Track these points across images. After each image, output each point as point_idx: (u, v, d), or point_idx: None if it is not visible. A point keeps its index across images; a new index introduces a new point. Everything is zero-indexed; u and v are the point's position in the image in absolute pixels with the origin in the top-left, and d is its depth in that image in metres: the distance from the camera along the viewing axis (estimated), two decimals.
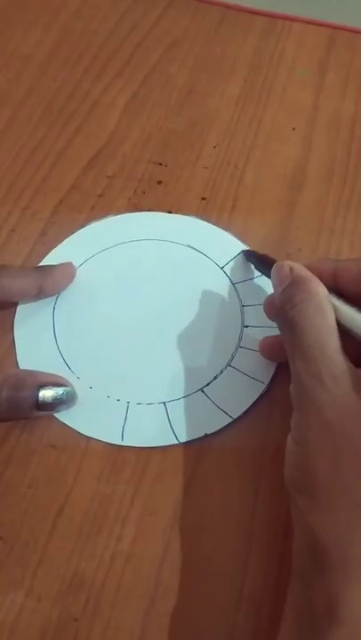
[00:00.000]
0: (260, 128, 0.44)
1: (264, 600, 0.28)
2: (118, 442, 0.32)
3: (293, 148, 0.42)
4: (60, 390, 0.32)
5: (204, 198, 0.40)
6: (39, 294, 0.35)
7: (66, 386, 0.32)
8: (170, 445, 0.32)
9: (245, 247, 0.38)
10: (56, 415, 0.32)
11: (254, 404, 0.33)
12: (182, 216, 0.39)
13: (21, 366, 0.34)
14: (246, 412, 0.33)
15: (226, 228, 0.39)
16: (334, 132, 0.43)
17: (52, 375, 0.32)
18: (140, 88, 0.45)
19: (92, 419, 0.32)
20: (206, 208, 0.40)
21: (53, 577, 0.29)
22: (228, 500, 0.30)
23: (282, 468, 0.31)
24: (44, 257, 0.38)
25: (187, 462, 0.31)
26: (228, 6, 0.51)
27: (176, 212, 0.40)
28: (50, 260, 0.38)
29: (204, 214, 0.39)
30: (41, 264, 0.38)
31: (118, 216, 0.39)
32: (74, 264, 0.37)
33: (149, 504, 0.30)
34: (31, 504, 0.30)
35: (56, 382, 0.32)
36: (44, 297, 0.36)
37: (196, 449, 0.32)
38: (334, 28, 0.50)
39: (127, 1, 0.50)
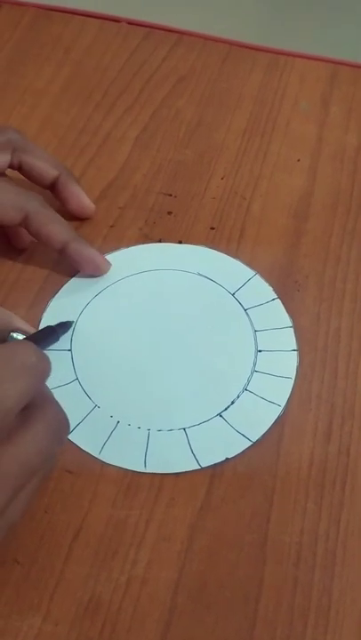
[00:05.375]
0: (266, 159, 0.45)
1: (278, 623, 0.28)
2: (141, 469, 0.32)
3: (299, 179, 0.44)
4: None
5: (212, 228, 0.41)
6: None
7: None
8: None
9: (253, 273, 0.39)
10: (78, 443, 0.33)
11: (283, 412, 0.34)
12: (193, 246, 0.40)
13: None
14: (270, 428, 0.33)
15: (235, 257, 0.40)
16: (338, 164, 0.45)
17: (25, 323, 0.34)
18: (149, 122, 0.47)
19: (115, 447, 0.33)
20: (215, 238, 0.41)
21: (70, 601, 0.29)
22: (241, 524, 0.31)
23: (294, 490, 0.32)
24: (58, 290, 0.39)
25: (199, 486, 0.32)
26: (232, 43, 0.53)
27: (186, 242, 0.41)
28: (65, 290, 0.39)
29: (213, 244, 0.41)
30: (57, 296, 0.38)
31: (130, 248, 0.40)
32: (89, 295, 0.38)
33: (163, 528, 0.31)
34: (47, 529, 0.31)
35: (27, 332, 0.33)
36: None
37: (208, 473, 0.32)
38: (336, 63, 0.51)
39: (136, 39, 0.52)
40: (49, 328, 0.36)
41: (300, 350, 0.36)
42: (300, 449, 0.33)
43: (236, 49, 0.52)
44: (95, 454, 0.33)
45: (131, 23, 0.54)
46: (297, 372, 0.35)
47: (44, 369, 0.27)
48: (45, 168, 0.39)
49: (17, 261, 0.40)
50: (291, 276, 0.39)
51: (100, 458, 0.33)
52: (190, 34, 0.53)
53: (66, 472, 0.32)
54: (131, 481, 0.32)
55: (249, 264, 0.40)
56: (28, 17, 0.54)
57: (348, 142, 0.46)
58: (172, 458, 0.32)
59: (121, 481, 0.32)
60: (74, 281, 0.39)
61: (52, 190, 0.40)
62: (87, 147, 0.45)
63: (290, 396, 0.34)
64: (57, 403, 0.28)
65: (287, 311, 0.38)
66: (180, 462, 0.32)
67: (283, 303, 0.38)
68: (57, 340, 0.36)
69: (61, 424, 0.27)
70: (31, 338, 0.33)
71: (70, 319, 0.37)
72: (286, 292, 0.38)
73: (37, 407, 0.26)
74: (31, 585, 0.29)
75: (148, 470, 0.32)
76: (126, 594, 0.29)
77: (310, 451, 0.33)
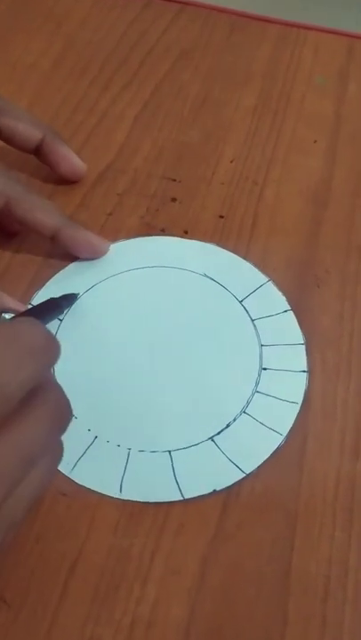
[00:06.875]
0: (280, 140, 0.41)
1: None
2: (116, 494, 0.28)
3: (316, 162, 0.40)
4: None
5: (221, 216, 0.37)
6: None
7: None
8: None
9: (266, 279, 0.35)
10: None
11: (285, 442, 0.30)
12: (200, 242, 0.36)
13: None
14: (276, 451, 0.29)
15: (246, 250, 0.36)
16: (359, 144, 0.40)
17: (17, 303, 0.32)
18: (150, 98, 0.43)
19: (89, 466, 0.29)
20: (224, 227, 0.37)
21: None
22: (261, 553, 0.27)
23: (319, 513, 0.28)
24: (49, 279, 0.35)
25: (212, 510, 0.28)
26: (238, 14, 0.49)
27: (192, 232, 0.37)
28: (54, 283, 0.35)
29: (222, 234, 0.37)
30: (45, 287, 0.35)
31: (131, 240, 0.36)
32: (78, 291, 0.34)
33: (172, 560, 0.27)
34: (39, 562, 0.27)
35: (17, 310, 0.31)
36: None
37: (222, 494, 0.28)
38: (352, 37, 0.47)
39: (135, 10, 0.48)
40: (52, 300, 0.32)
41: (322, 353, 0.32)
42: (326, 466, 0.29)
43: (241, 20, 0.48)
44: (66, 473, 0.29)
45: None
46: (305, 395, 0.31)
47: (53, 353, 0.23)
48: (28, 130, 0.35)
49: (10, 245, 0.36)
50: (309, 270, 0.35)
51: (72, 477, 0.29)
52: (193, 3, 0.49)
53: (59, 495, 0.28)
54: (134, 504, 0.28)
55: (262, 257, 0.36)
56: None
57: None
58: (152, 484, 0.28)
59: (123, 505, 0.28)
60: (66, 270, 0.35)
61: (37, 155, 0.37)
62: (82, 126, 0.41)
63: (311, 403, 0.31)
64: (59, 386, 0.24)
65: (300, 325, 0.33)
66: (161, 491, 0.28)
67: (301, 302, 0.34)
68: (61, 313, 0.32)
69: (64, 410, 0.24)
70: (32, 312, 0.30)
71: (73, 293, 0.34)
72: (305, 287, 0.34)
73: (38, 391, 0.22)
74: (21, 628, 0.25)
75: (124, 497, 0.28)
76: (130, 638, 0.25)
77: (337, 468, 0.29)
